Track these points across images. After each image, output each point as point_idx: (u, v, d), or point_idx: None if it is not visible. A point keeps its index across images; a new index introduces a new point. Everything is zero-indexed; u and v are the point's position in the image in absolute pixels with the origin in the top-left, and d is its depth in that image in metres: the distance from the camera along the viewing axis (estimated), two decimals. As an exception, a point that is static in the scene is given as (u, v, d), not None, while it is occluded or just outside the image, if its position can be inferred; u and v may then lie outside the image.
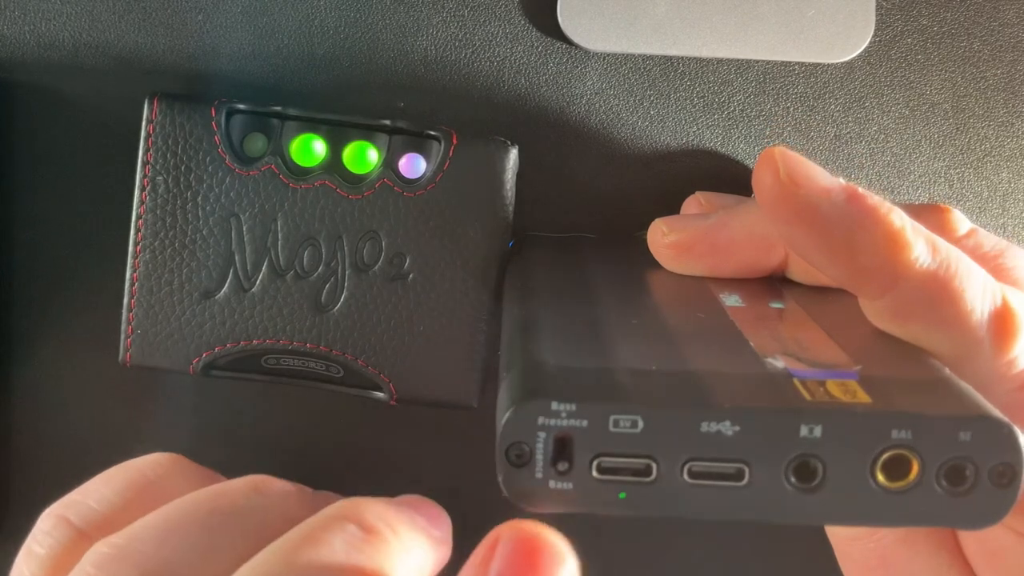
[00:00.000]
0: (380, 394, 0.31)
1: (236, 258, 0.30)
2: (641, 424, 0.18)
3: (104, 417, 0.34)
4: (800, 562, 0.34)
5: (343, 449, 0.34)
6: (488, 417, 0.33)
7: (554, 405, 0.18)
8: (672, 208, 0.31)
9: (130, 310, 0.30)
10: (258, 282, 0.30)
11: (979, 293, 0.22)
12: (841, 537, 0.26)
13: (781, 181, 0.22)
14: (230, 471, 0.34)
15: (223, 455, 0.34)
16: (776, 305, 0.24)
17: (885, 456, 0.18)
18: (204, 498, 0.23)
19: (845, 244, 0.22)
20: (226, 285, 0.30)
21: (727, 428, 0.18)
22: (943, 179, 0.33)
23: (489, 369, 0.31)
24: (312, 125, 0.31)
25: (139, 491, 0.25)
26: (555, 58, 0.33)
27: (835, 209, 0.22)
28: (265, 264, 0.30)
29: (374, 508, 0.22)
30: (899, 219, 0.22)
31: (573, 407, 0.18)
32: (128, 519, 0.23)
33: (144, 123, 0.30)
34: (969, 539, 0.24)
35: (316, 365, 0.31)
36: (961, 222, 0.26)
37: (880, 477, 0.18)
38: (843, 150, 0.33)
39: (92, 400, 0.34)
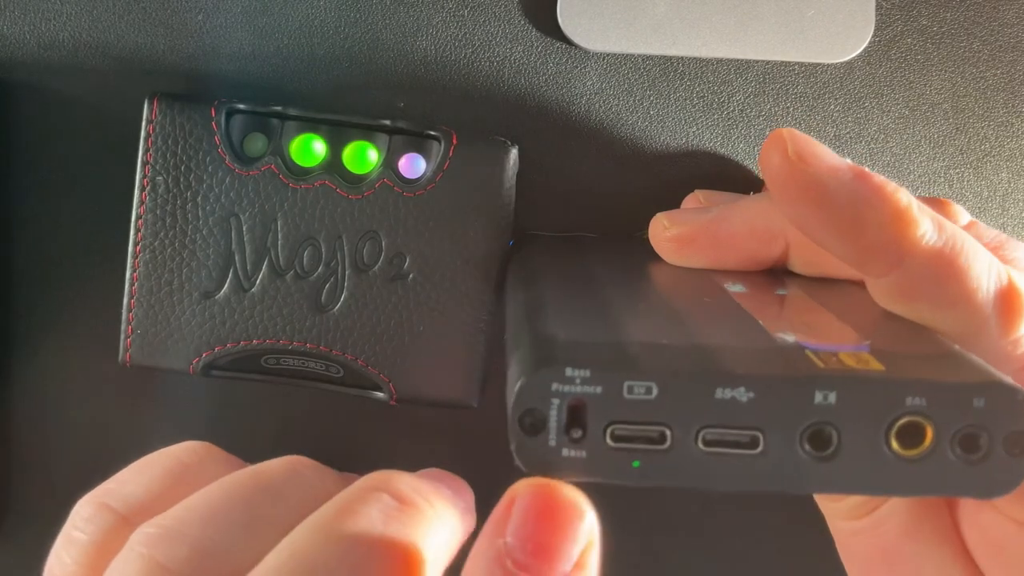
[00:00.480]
0: (380, 394, 0.31)
1: (236, 258, 0.30)
2: (655, 391, 0.18)
3: (104, 417, 0.34)
4: (802, 558, 0.34)
5: (343, 449, 0.34)
6: (488, 417, 0.33)
7: (568, 371, 0.18)
8: (672, 208, 0.31)
9: (130, 310, 0.30)
10: (258, 282, 0.30)
11: (985, 271, 0.22)
12: (843, 531, 0.26)
13: (789, 159, 0.22)
14: (230, 471, 0.34)
15: (223, 455, 0.34)
16: (780, 292, 0.24)
17: (899, 423, 0.18)
18: (244, 478, 0.23)
19: (852, 222, 0.22)
20: (226, 285, 0.30)
21: (742, 395, 0.18)
22: (943, 179, 0.33)
23: (489, 369, 0.31)
24: (312, 125, 0.31)
25: (176, 477, 0.24)
26: (555, 58, 0.33)
27: (842, 187, 0.22)
28: (265, 264, 0.30)
29: (406, 479, 0.22)
30: (905, 197, 0.22)
31: (587, 373, 0.18)
32: (167, 504, 0.23)
33: (144, 123, 0.30)
34: (971, 530, 0.24)
35: (316, 365, 0.31)
36: (960, 215, 0.26)
37: (894, 445, 0.18)
38: (843, 150, 0.33)
39: (92, 400, 0.34)
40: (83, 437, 0.34)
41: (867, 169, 0.22)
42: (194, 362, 0.31)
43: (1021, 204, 0.33)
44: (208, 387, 0.34)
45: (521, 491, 0.18)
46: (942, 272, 0.22)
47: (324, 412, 0.34)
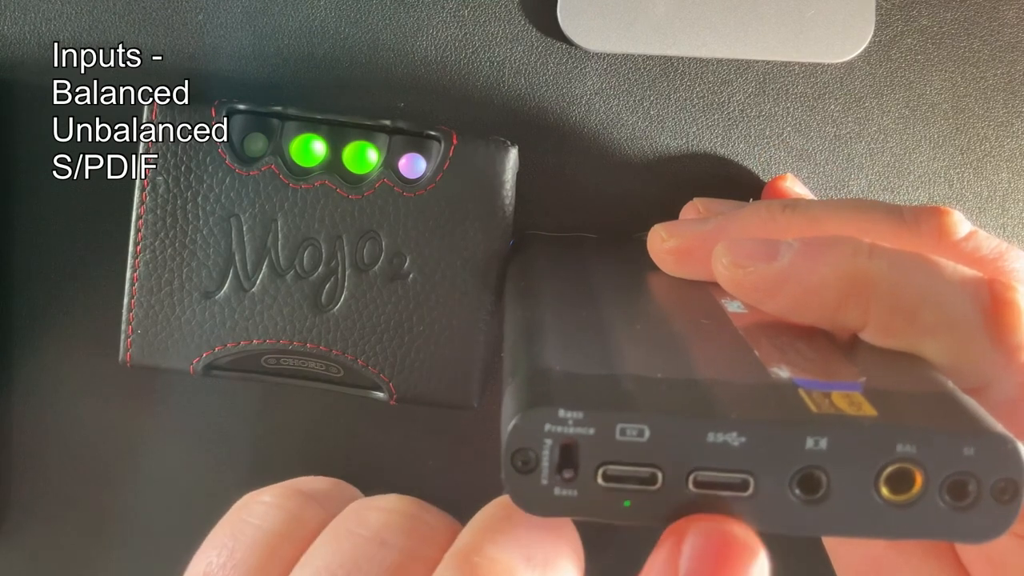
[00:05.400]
0: (380, 394, 0.31)
1: (236, 258, 0.30)
2: (648, 433, 0.18)
3: (104, 417, 0.34)
4: (798, 565, 0.34)
5: (343, 449, 0.34)
6: (488, 417, 0.33)
7: (561, 412, 0.18)
8: (672, 209, 0.31)
9: (130, 310, 0.30)
10: (258, 282, 0.30)
11: (958, 291, 0.22)
12: (833, 542, 0.27)
13: (731, 270, 0.23)
14: (230, 471, 0.34)
15: (223, 455, 0.34)
16: None
17: (889, 470, 0.18)
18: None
19: (810, 296, 0.22)
20: (226, 285, 0.30)
21: (733, 439, 0.18)
22: (943, 179, 0.33)
23: (489, 369, 0.31)
24: (312, 125, 0.31)
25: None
26: (555, 58, 0.33)
27: (793, 269, 0.22)
28: (265, 264, 0.30)
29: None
30: (848, 255, 0.22)
31: (580, 415, 0.18)
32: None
33: (144, 123, 0.30)
34: (969, 546, 0.24)
35: (316, 365, 0.31)
36: (960, 224, 0.26)
37: (884, 490, 0.18)
38: (843, 150, 0.33)
39: (92, 400, 0.34)
40: (83, 437, 0.34)
41: (821, 226, 0.23)
42: (194, 362, 0.31)
43: (1021, 204, 0.33)
44: (208, 387, 0.34)
45: (692, 532, 0.18)
46: (910, 306, 0.22)
47: (324, 412, 0.34)
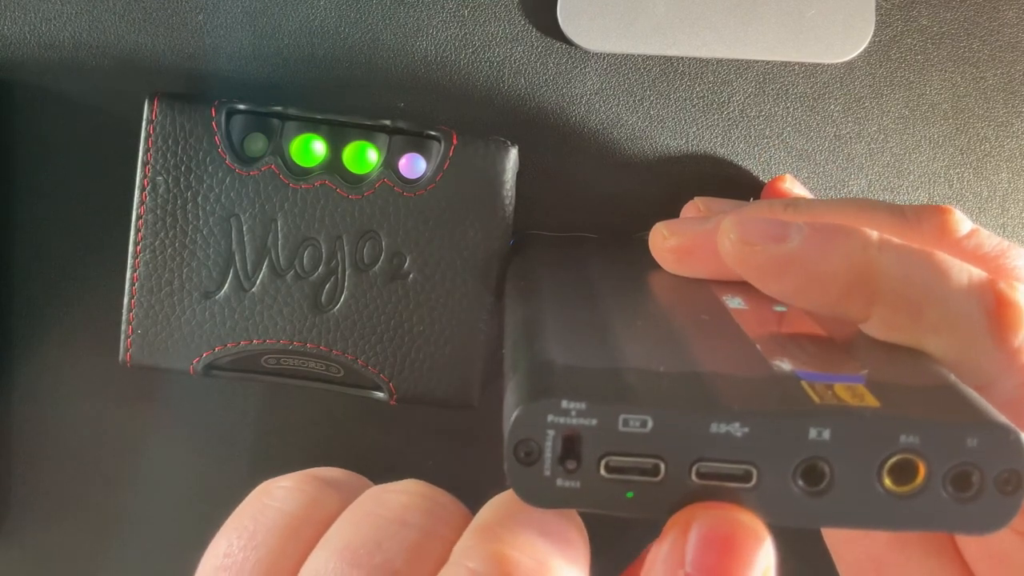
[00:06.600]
0: (380, 394, 0.31)
1: (236, 258, 0.30)
2: (651, 424, 0.18)
3: (104, 417, 0.34)
4: (799, 564, 0.34)
5: (343, 449, 0.34)
6: (488, 417, 0.33)
7: (564, 403, 0.18)
8: (672, 209, 0.31)
9: (130, 310, 0.30)
10: (258, 282, 0.30)
11: (963, 291, 0.22)
12: (835, 539, 0.27)
13: (737, 246, 0.23)
14: (230, 471, 0.34)
15: (223, 455, 0.34)
16: (779, 308, 0.25)
17: (892, 460, 0.18)
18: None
19: (816, 282, 0.22)
20: (226, 285, 0.30)
21: (736, 430, 0.18)
22: (943, 179, 0.33)
23: (489, 369, 0.31)
24: (312, 125, 0.31)
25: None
26: (555, 58, 0.33)
27: (802, 251, 0.22)
28: (265, 264, 0.30)
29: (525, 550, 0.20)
30: (858, 246, 0.22)
31: (583, 406, 0.18)
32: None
33: (144, 123, 0.30)
34: (971, 542, 0.24)
35: (316, 365, 0.31)
36: (962, 223, 0.26)
37: (887, 481, 0.18)
38: (843, 150, 0.33)
39: (92, 400, 0.34)
40: (83, 437, 0.34)
41: (825, 221, 0.23)
42: (194, 362, 0.31)
43: (1021, 204, 0.33)
44: (208, 387, 0.34)
45: (698, 519, 0.18)
46: (916, 303, 0.22)
47: (324, 412, 0.34)
